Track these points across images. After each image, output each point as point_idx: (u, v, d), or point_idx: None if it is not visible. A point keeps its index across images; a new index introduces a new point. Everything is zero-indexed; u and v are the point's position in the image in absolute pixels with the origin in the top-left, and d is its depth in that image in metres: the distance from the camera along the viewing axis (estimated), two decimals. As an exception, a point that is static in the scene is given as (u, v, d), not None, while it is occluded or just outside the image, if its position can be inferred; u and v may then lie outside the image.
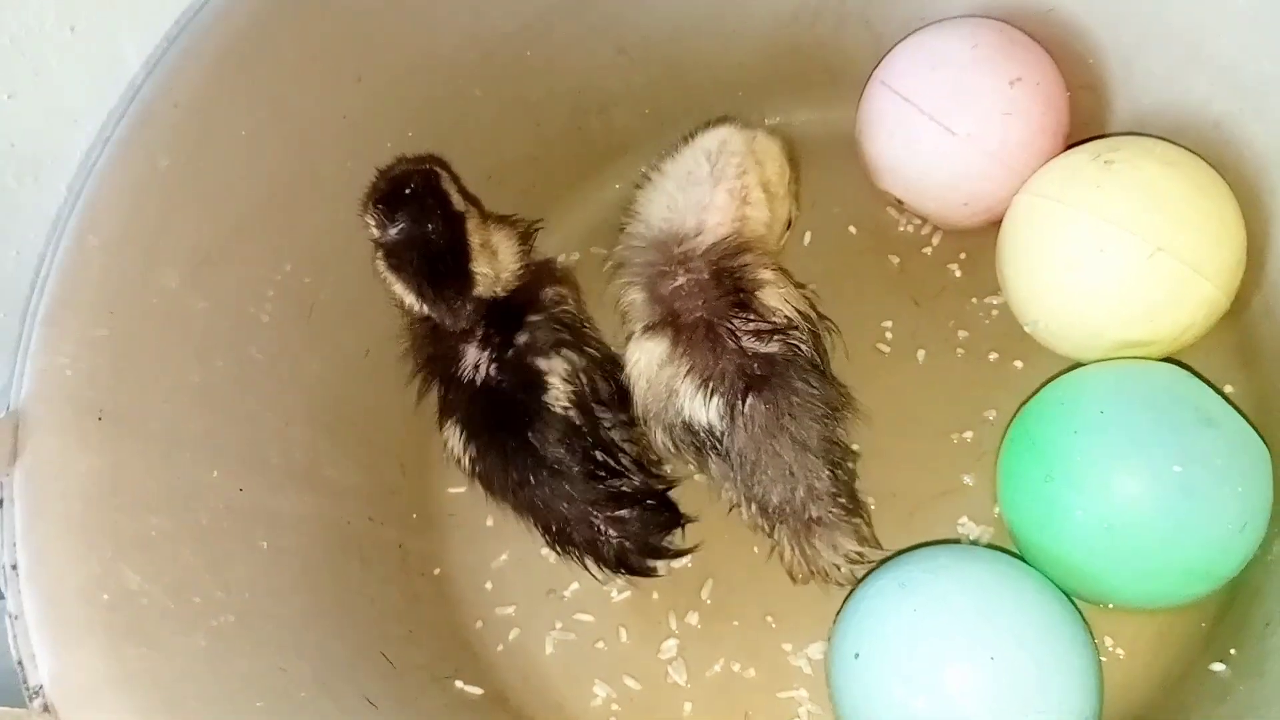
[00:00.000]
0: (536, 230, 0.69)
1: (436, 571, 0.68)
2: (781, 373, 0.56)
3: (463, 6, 0.68)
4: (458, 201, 0.62)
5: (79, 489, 0.49)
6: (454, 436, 0.62)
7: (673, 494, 0.64)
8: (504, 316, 0.62)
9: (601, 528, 0.60)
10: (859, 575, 0.59)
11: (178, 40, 0.59)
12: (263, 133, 0.62)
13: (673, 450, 0.60)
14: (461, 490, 0.70)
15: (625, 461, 0.61)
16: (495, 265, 0.62)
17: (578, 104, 0.76)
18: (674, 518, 0.63)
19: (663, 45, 0.74)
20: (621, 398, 0.62)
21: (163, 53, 0.59)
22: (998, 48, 0.64)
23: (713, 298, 0.57)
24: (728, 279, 0.58)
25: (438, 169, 0.63)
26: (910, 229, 0.73)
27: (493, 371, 0.60)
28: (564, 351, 0.61)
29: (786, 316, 0.58)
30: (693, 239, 0.58)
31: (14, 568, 0.46)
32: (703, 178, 0.60)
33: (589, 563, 0.62)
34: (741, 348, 0.57)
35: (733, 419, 0.56)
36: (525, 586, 0.67)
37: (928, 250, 0.72)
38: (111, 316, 0.54)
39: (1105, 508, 0.51)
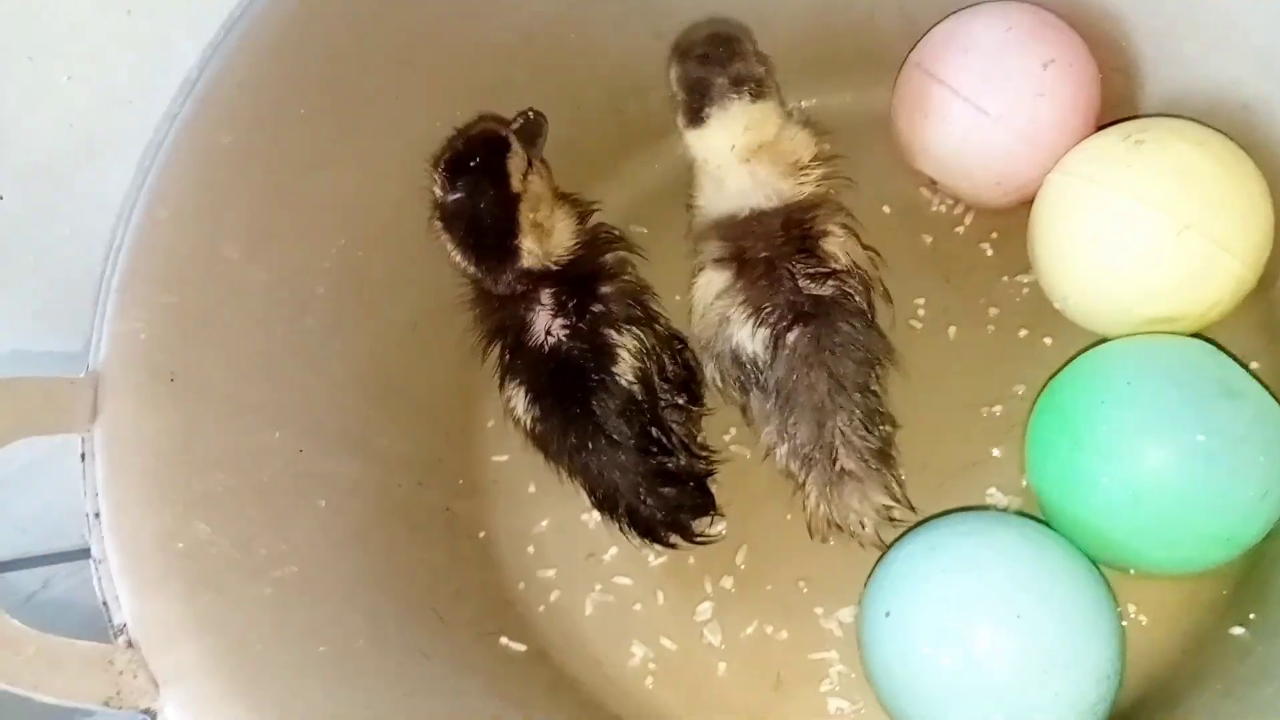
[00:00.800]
0: (593, 211, 0.70)
1: (481, 535, 0.70)
2: (828, 311, 0.60)
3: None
4: (516, 182, 0.64)
5: (153, 446, 0.52)
6: (519, 398, 0.64)
7: (714, 474, 0.66)
8: (574, 284, 0.64)
9: (644, 498, 0.63)
10: (885, 537, 0.61)
11: (238, 23, 0.62)
12: (318, 113, 0.65)
13: (719, 384, 0.64)
14: (506, 458, 0.73)
15: (675, 440, 0.63)
16: (547, 243, 0.64)
17: (616, 87, 0.78)
18: (707, 504, 0.65)
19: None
20: (684, 379, 0.65)
21: (224, 35, 0.61)
22: (1031, 30, 0.66)
23: (778, 241, 0.61)
24: (796, 227, 0.61)
25: (510, 139, 0.65)
26: (943, 209, 0.75)
27: (564, 337, 0.63)
28: (635, 328, 0.63)
29: (845, 268, 0.61)
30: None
31: (96, 515, 0.49)
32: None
33: (625, 527, 0.64)
34: (796, 286, 0.60)
35: (776, 349, 0.59)
36: (566, 551, 0.70)
37: (960, 230, 0.74)
38: (180, 285, 0.57)
39: (1130, 476, 0.53)
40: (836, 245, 0.61)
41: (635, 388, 0.62)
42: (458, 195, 0.63)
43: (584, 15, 0.73)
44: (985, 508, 0.63)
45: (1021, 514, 0.61)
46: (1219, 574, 0.57)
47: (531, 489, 0.72)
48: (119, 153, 0.66)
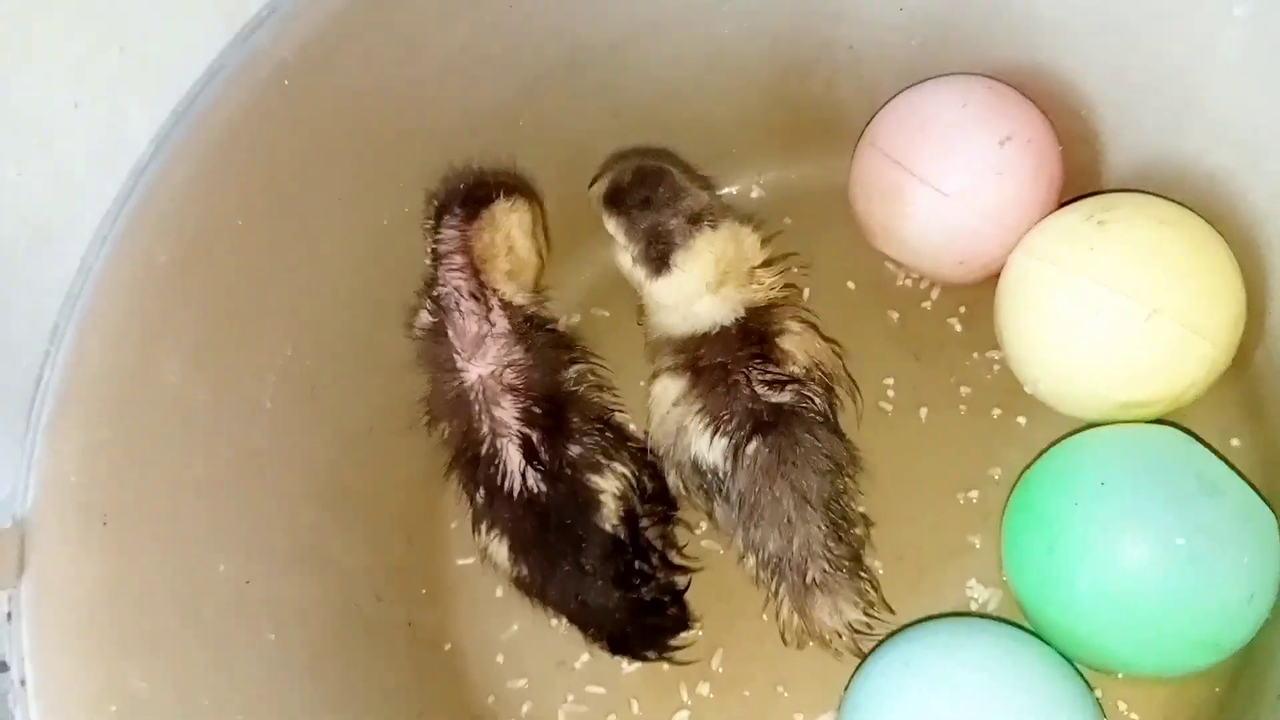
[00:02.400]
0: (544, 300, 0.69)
1: (447, 647, 0.68)
2: (788, 422, 0.58)
3: (454, 80, 0.68)
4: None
5: (86, 598, 0.50)
6: (498, 550, 0.61)
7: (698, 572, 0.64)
8: (542, 416, 0.60)
9: (626, 629, 0.61)
10: (862, 644, 0.59)
11: (168, 138, 0.60)
12: (260, 219, 0.62)
13: (683, 491, 0.62)
14: (470, 561, 0.70)
15: (655, 560, 0.62)
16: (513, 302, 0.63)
17: (571, 166, 0.77)
18: (684, 619, 0.63)
19: (654, 107, 0.74)
20: (660, 490, 0.63)
21: (152, 154, 0.59)
22: (987, 106, 0.64)
23: (734, 346, 0.59)
24: (752, 331, 0.59)
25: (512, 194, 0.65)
26: (909, 283, 0.73)
27: (539, 484, 0.59)
28: (614, 462, 0.61)
29: (803, 366, 0.59)
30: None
31: (23, 683, 0.46)
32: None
33: (611, 653, 0.63)
34: (754, 393, 0.58)
35: (736, 459, 0.57)
36: (536, 658, 0.67)
37: (927, 305, 0.72)
38: (114, 419, 0.54)
39: (1109, 580, 0.51)
40: (794, 343, 0.59)
41: (619, 529, 0.60)
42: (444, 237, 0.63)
43: (536, 98, 0.72)
44: (963, 613, 0.60)
45: (999, 618, 0.59)
46: (1211, 673, 0.55)
47: (499, 593, 0.69)
48: (78, 246, 0.64)
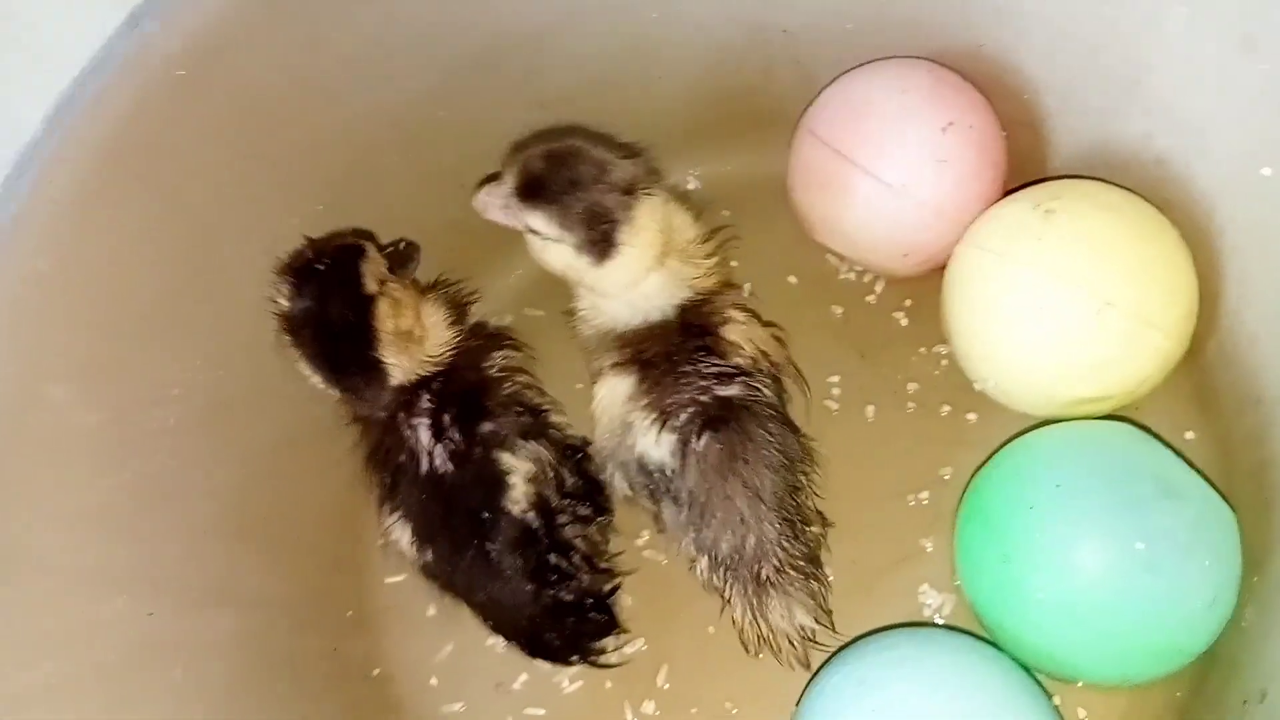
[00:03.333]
0: (470, 303, 0.65)
1: (376, 672, 0.64)
2: (738, 415, 0.55)
3: (365, 73, 0.63)
4: (371, 284, 0.57)
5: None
6: (402, 533, 0.58)
7: (627, 576, 0.62)
8: (455, 399, 0.57)
9: (543, 631, 0.58)
10: (813, 659, 0.56)
11: (50, 134, 0.55)
12: (156, 223, 0.58)
13: (630, 493, 0.58)
14: (400, 579, 0.66)
15: (576, 560, 0.58)
16: (416, 351, 0.58)
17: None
18: (610, 624, 0.60)
19: (582, 97, 0.71)
20: (586, 488, 0.60)
21: (33, 148, 0.54)
22: (928, 91, 0.61)
23: (677, 337, 0.56)
24: (693, 321, 0.56)
25: (366, 246, 0.59)
26: (852, 276, 0.70)
27: (446, 464, 0.56)
28: (530, 444, 0.58)
29: (750, 356, 0.56)
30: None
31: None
32: None
33: (528, 654, 0.60)
34: (700, 387, 0.55)
35: (684, 456, 0.54)
36: (473, 680, 0.64)
37: (871, 299, 0.69)
38: (-6, 442, 0.50)
39: (1066, 589, 0.49)
40: (738, 333, 0.56)
41: (529, 516, 0.56)
42: (303, 302, 0.56)
43: (455, 91, 0.67)
44: (917, 624, 0.58)
45: (954, 628, 0.56)
46: (1172, 677, 0.53)
47: (431, 611, 0.65)
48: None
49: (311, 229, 0.63)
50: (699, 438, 0.54)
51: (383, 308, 0.57)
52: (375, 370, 0.56)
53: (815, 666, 0.57)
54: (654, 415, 0.55)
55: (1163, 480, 0.50)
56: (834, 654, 0.55)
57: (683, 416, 0.54)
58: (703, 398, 0.54)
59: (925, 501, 0.63)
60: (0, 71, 0.59)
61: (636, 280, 0.56)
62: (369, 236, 0.62)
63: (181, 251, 0.59)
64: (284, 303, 0.57)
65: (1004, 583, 0.51)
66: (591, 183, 0.54)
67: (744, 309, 0.59)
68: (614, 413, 0.56)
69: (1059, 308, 0.54)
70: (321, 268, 0.57)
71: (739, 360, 0.55)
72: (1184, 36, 0.56)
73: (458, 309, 0.62)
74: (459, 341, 0.60)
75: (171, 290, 0.58)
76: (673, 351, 0.55)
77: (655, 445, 0.55)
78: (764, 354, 0.57)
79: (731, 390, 0.55)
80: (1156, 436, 0.54)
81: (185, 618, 0.55)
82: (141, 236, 0.57)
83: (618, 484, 0.58)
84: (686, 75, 0.72)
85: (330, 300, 0.56)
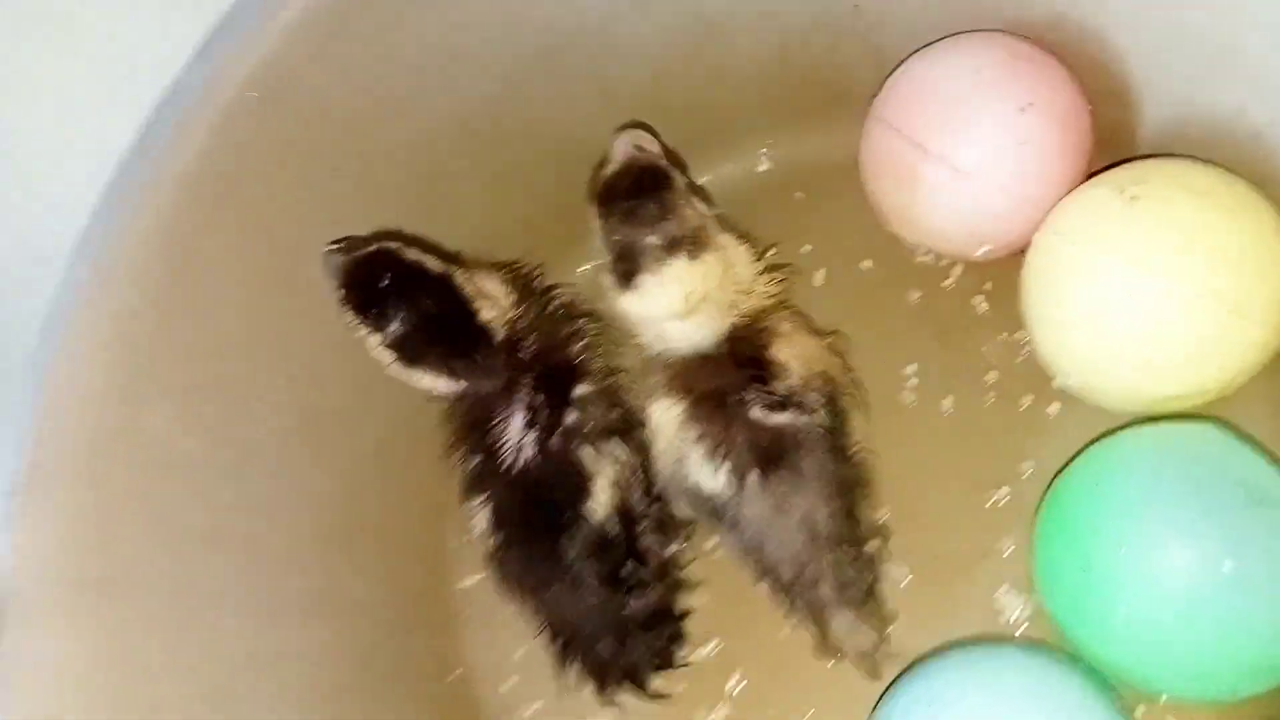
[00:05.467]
0: (537, 274, 0.65)
1: (458, 672, 0.66)
2: (791, 450, 0.54)
3: (433, 80, 0.64)
4: (433, 263, 0.58)
5: (73, 676, 0.48)
6: (482, 517, 0.59)
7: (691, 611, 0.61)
8: (552, 383, 0.58)
9: (605, 650, 0.58)
10: (884, 667, 0.57)
11: (131, 170, 0.57)
12: (240, 247, 0.59)
13: (690, 515, 0.59)
14: (480, 578, 0.67)
15: (650, 571, 0.58)
16: (499, 307, 0.59)
17: (566, 156, 0.72)
18: (675, 648, 0.61)
19: (646, 87, 0.70)
20: None
21: (116, 184, 0.56)
22: (1004, 69, 0.58)
23: (727, 368, 0.55)
24: (743, 348, 0.56)
25: (388, 244, 0.59)
26: (929, 259, 0.68)
27: (535, 457, 0.57)
28: (614, 445, 0.58)
29: (802, 379, 0.55)
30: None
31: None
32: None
33: (583, 678, 0.60)
34: (750, 420, 0.54)
35: (741, 489, 0.54)
36: (549, 680, 0.64)
37: (948, 283, 0.67)
38: (98, 475, 0.52)
39: (1151, 606, 0.47)
40: (786, 351, 0.55)
41: (608, 523, 0.57)
42: (399, 317, 0.57)
43: (519, 90, 0.67)
44: (991, 638, 0.57)
45: (1031, 643, 0.55)
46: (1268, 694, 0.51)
47: (509, 610, 0.65)
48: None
49: (390, 238, 0.65)
50: (752, 474, 0.54)
51: (459, 277, 0.58)
52: (486, 336, 0.57)
53: (888, 675, 0.57)
54: (707, 449, 0.55)
55: (1255, 489, 0.47)
56: (908, 667, 0.55)
57: (735, 453, 0.54)
58: (754, 433, 0.54)
59: (1005, 499, 0.61)
60: (77, 110, 0.62)
61: (655, 321, 0.56)
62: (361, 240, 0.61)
63: (266, 272, 0.61)
64: (379, 335, 0.57)
65: (1084, 594, 0.50)
66: (645, 222, 0.55)
67: (794, 320, 0.58)
68: (668, 439, 0.56)
69: (1146, 300, 0.52)
70: (387, 282, 0.57)
71: (790, 382, 0.55)
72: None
73: (521, 282, 0.63)
74: (537, 313, 0.60)
75: (259, 312, 0.60)
76: (724, 387, 0.55)
77: (711, 477, 0.55)
78: (817, 371, 0.56)
79: (783, 419, 0.54)
80: (1250, 438, 0.51)
81: (287, 630, 0.57)
82: (227, 261, 0.59)
83: (679, 507, 0.58)
84: (754, 57, 0.70)
85: (420, 299, 0.56)
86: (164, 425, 0.55)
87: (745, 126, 0.74)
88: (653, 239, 0.54)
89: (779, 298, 0.59)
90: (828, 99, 0.71)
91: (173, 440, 0.56)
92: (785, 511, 0.53)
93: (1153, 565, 0.47)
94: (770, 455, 0.54)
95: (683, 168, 0.61)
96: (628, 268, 0.55)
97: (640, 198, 0.55)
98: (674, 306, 0.55)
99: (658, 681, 0.60)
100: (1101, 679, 0.50)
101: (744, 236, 0.60)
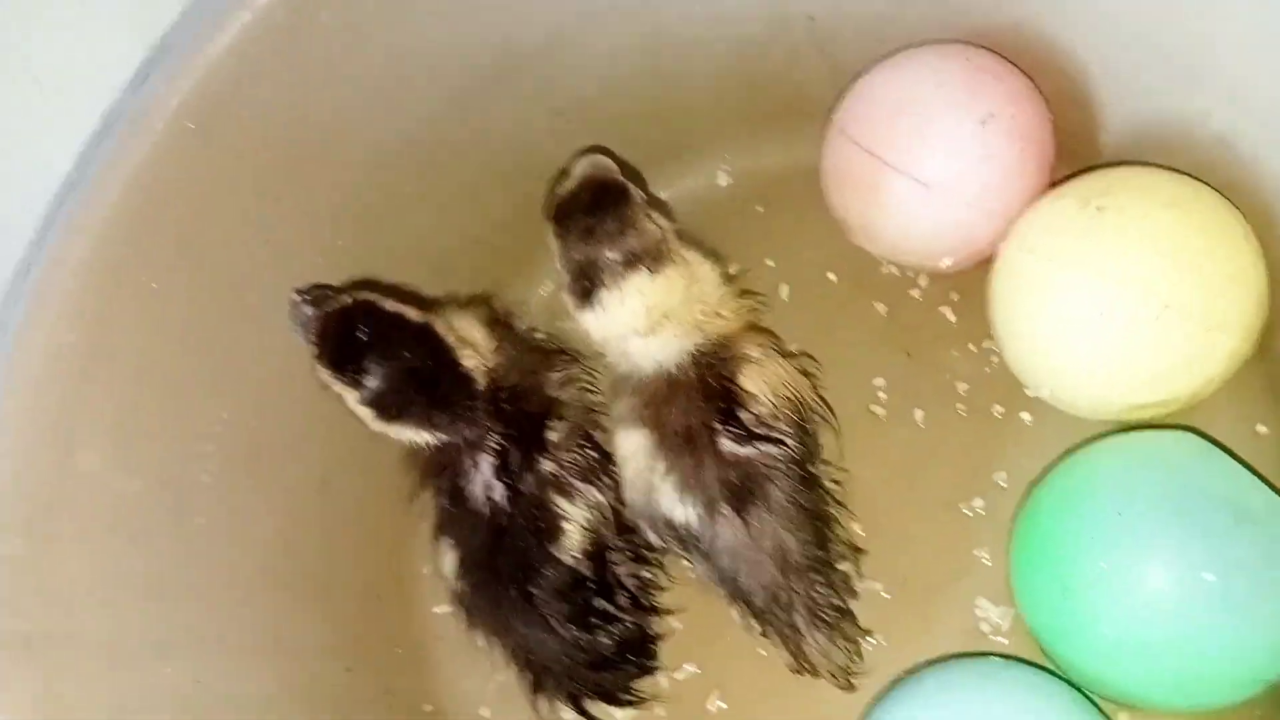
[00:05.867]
0: (509, 317, 0.63)
1: (428, 709, 0.63)
2: (761, 483, 0.53)
3: (379, 100, 0.61)
4: (412, 313, 0.56)
5: (12, 736, 0.46)
6: (448, 560, 0.57)
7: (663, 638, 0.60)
8: (525, 428, 0.55)
9: (576, 681, 0.57)
10: (861, 684, 0.56)
11: (63, 203, 0.54)
12: (178, 278, 0.57)
13: (660, 543, 0.57)
14: (447, 610, 0.65)
15: (622, 602, 0.57)
16: (480, 354, 0.57)
17: (519, 174, 0.71)
18: (646, 670, 0.59)
19: (600, 103, 0.68)
20: None
21: (47, 222, 0.54)
22: (964, 81, 0.57)
23: (696, 400, 0.54)
24: (710, 378, 0.54)
25: (366, 295, 0.56)
26: (895, 270, 0.67)
27: (504, 501, 0.55)
28: (590, 488, 0.56)
29: (772, 407, 0.54)
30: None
31: None
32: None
33: (558, 708, 0.58)
34: (720, 453, 0.53)
35: (712, 522, 0.53)
36: (525, 710, 0.62)
37: (915, 293, 0.66)
38: (28, 525, 0.49)
39: (1133, 624, 0.46)
40: (756, 379, 0.54)
41: (580, 563, 0.55)
42: (379, 373, 0.53)
43: (471, 107, 0.65)
44: (974, 654, 0.55)
45: (1012, 658, 0.54)
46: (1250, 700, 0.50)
47: (480, 641, 0.64)
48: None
49: (336, 264, 0.62)
50: (723, 507, 0.52)
51: (439, 325, 0.56)
52: (469, 385, 0.54)
53: (865, 688, 0.56)
54: (676, 482, 0.53)
55: (1234, 502, 0.47)
56: (890, 685, 0.54)
57: (706, 486, 0.53)
58: (724, 467, 0.52)
59: (980, 510, 0.60)
60: (9, 140, 0.59)
61: (617, 340, 0.55)
62: (330, 289, 0.58)
63: (206, 303, 0.58)
64: (355, 393, 0.54)
65: (1065, 615, 0.49)
66: (604, 239, 0.53)
67: (759, 343, 0.56)
68: (637, 468, 0.55)
69: (1114, 312, 0.51)
70: (365, 335, 0.54)
71: (760, 412, 0.53)
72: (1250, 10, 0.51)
73: (495, 323, 0.60)
74: (512, 353, 0.58)
75: (199, 343, 0.57)
76: (691, 421, 0.53)
77: (681, 508, 0.54)
78: (786, 398, 0.54)
79: (751, 452, 0.53)
80: (1225, 448, 0.51)
81: (235, 677, 0.55)
82: (165, 293, 0.56)
83: (646, 533, 0.57)
84: (709, 70, 0.68)
85: (402, 353, 0.54)
86: (98, 464, 0.53)
87: (703, 141, 0.72)
88: (612, 254, 0.53)
89: (748, 319, 0.57)
90: (785, 111, 0.69)
91: (108, 481, 0.53)
92: (757, 542, 0.52)
93: (1132, 577, 0.47)
94: (741, 488, 0.52)
95: (642, 185, 0.59)
96: (586, 285, 0.53)
97: (598, 214, 0.53)
98: (635, 323, 0.53)
99: (632, 701, 0.59)
100: (1082, 692, 0.49)
101: (711, 254, 0.58)
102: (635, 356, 0.55)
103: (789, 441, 0.53)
